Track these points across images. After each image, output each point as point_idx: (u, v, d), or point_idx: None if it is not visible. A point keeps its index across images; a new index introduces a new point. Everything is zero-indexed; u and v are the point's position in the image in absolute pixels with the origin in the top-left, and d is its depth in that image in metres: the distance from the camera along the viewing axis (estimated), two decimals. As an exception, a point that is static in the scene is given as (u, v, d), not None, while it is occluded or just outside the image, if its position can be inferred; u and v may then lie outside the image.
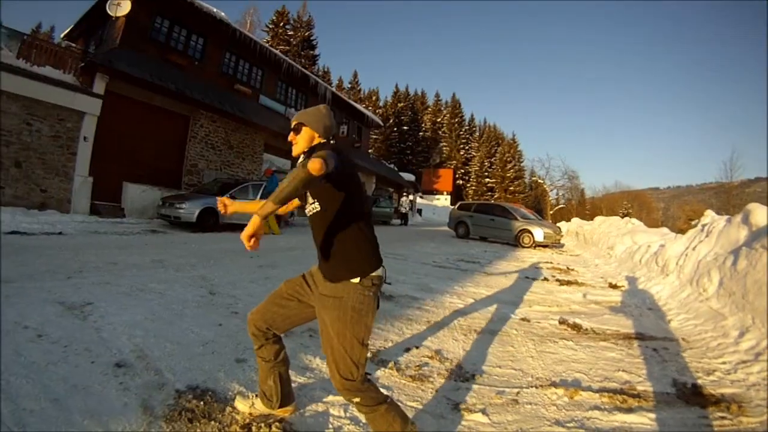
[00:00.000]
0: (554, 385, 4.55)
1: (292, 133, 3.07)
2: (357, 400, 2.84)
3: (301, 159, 2.95)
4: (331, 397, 3.78)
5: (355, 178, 2.94)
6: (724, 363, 5.42)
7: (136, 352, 4.23)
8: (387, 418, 2.88)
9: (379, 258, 2.96)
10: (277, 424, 3.21)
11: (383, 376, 4.42)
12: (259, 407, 3.36)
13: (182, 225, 16.27)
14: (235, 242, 12.98)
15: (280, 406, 3.34)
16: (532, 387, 4.47)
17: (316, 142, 3.06)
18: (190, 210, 15.94)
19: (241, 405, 3.40)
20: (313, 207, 2.90)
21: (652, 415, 3.94)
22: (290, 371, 3.61)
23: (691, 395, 4.46)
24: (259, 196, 18.32)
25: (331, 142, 3.12)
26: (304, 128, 3.03)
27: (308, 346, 4.98)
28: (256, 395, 3.42)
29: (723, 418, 3.98)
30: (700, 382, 4.84)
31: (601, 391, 4.46)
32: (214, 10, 22.80)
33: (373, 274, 2.86)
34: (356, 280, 2.81)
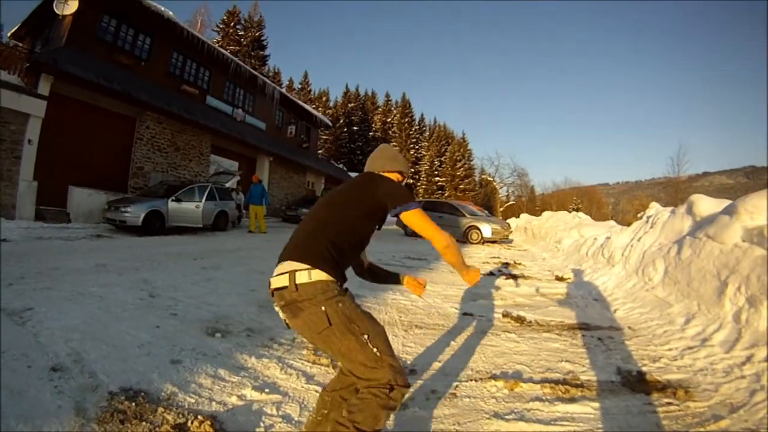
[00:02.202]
0: (494, 377, 4.52)
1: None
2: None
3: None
4: (264, 396, 3.74)
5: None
6: (670, 350, 5.46)
7: (72, 356, 4.13)
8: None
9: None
10: (208, 423, 3.15)
11: (319, 373, 4.36)
12: None
13: (128, 229, 15.99)
14: (180, 245, 13.18)
15: None
16: (471, 380, 4.43)
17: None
18: (136, 213, 15.69)
19: None
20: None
21: (596, 404, 3.93)
22: (225, 370, 3.82)
23: (636, 382, 4.46)
24: (204, 198, 18.43)
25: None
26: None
27: (244, 345, 4.92)
28: None
29: (669, 404, 3.99)
30: (645, 369, 4.86)
31: (542, 382, 4.44)
32: (162, 8, 22.43)
33: None
34: None
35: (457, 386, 4.25)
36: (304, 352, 4.89)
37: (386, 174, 3.03)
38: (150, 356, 4.36)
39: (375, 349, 2.48)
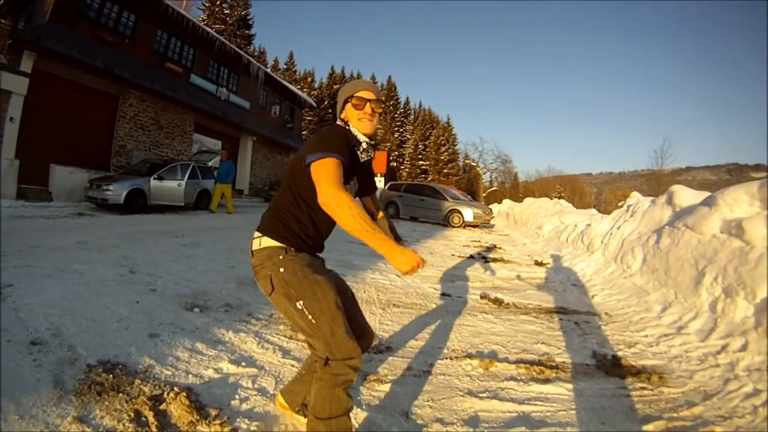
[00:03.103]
0: (469, 356, 4.56)
1: (369, 107, 2.69)
2: None
3: (368, 148, 2.77)
4: (240, 369, 3.77)
5: None
6: (646, 336, 5.52)
7: (51, 330, 4.14)
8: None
9: None
10: (183, 394, 3.15)
11: (296, 348, 4.39)
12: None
13: (110, 207, 15.92)
14: (161, 223, 13.20)
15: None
16: (446, 359, 4.48)
17: None
18: (117, 192, 15.60)
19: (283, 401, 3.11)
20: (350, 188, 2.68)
21: (570, 386, 3.97)
22: (202, 344, 3.88)
23: (611, 366, 4.51)
24: (186, 177, 18.39)
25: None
26: (381, 111, 2.81)
27: (222, 320, 4.94)
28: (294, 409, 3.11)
29: (643, 388, 4.03)
30: (620, 354, 4.91)
31: (518, 362, 4.48)
32: (148, -16, 22.15)
33: None
34: None
35: (432, 364, 4.29)
36: (281, 327, 4.93)
37: (340, 117, 2.80)
38: (128, 330, 4.38)
39: (310, 317, 2.46)
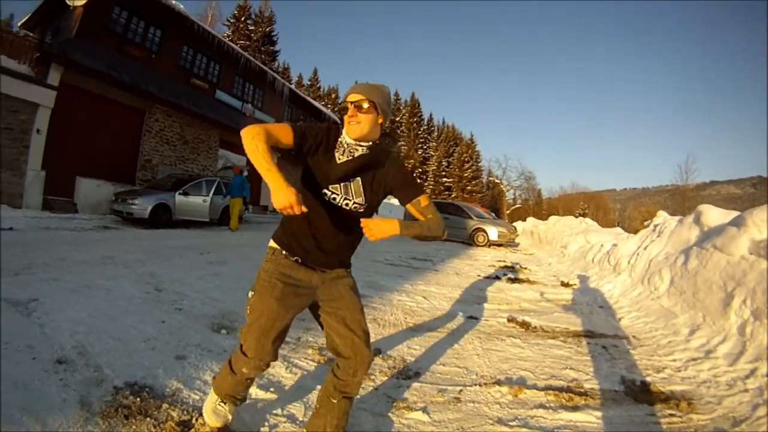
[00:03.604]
0: (498, 383, 4.50)
1: (353, 109, 2.65)
2: (362, 379, 3.01)
3: (361, 152, 2.73)
4: (268, 395, 3.73)
5: None
6: (674, 360, 5.44)
7: (77, 348, 4.12)
8: (347, 411, 3.00)
9: None
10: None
11: (324, 372, 4.17)
12: (231, 411, 3.13)
13: (135, 221, 16.03)
14: (186, 239, 13.16)
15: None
16: (475, 385, 4.42)
17: (377, 131, 2.78)
18: (143, 206, 15.72)
19: (216, 422, 3.07)
20: (356, 204, 2.77)
21: (599, 413, 3.91)
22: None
23: (640, 393, 4.44)
24: (212, 193, 18.49)
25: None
26: (373, 109, 2.68)
27: None
28: (224, 402, 3.10)
29: (672, 415, 3.96)
30: (649, 379, 4.83)
31: (546, 389, 4.42)
32: (173, 2, 22.40)
33: None
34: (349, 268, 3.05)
35: (461, 391, 4.23)
36: (309, 351, 4.88)
37: (373, 110, 2.73)
38: (155, 351, 4.35)
39: (248, 307, 2.82)
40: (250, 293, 2.82)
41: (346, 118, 2.70)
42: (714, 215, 7.93)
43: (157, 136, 22.37)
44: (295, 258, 2.82)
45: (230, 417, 3.05)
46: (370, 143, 2.75)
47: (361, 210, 2.77)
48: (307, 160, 2.74)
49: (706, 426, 3.75)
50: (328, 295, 2.90)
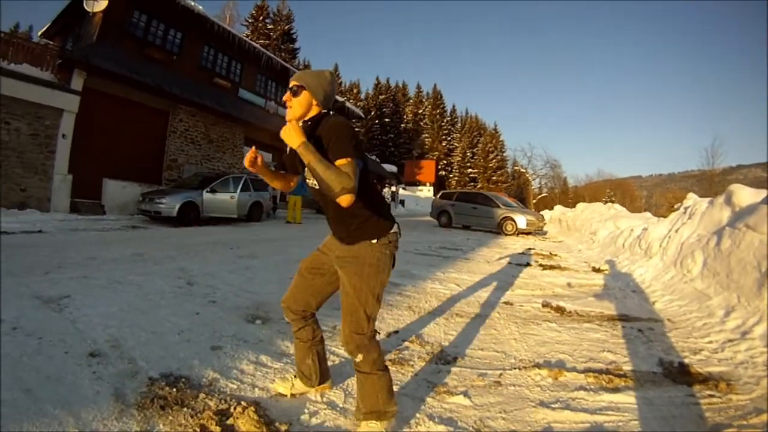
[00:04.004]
0: (538, 366, 4.49)
1: (288, 94, 2.89)
2: (359, 358, 2.98)
3: (294, 124, 2.72)
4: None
5: (365, 155, 2.96)
6: (710, 342, 5.39)
7: (110, 342, 4.15)
8: (376, 387, 2.99)
9: (391, 218, 3.08)
10: (251, 409, 3.11)
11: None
12: (299, 387, 3.48)
13: (163, 220, 16.21)
14: (215, 235, 13.33)
15: (319, 384, 3.51)
16: (515, 369, 4.41)
17: (313, 110, 2.91)
18: (171, 205, 15.90)
19: (282, 388, 3.48)
20: (314, 181, 2.86)
21: (639, 394, 3.89)
22: (267, 356, 3.83)
23: (678, 374, 4.41)
24: (239, 189, 18.65)
25: (331, 113, 2.97)
26: (303, 92, 2.85)
27: (285, 332, 4.85)
28: (295, 376, 3.53)
29: (711, 396, 3.93)
30: (686, 361, 4.80)
31: (586, 371, 4.40)
32: (192, 3, 22.53)
33: (391, 232, 3.02)
34: (373, 240, 2.94)
35: (501, 374, 4.24)
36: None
37: (304, 93, 2.91)
38: (190, 343, 4.38)
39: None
40: None
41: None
42: (745, 194, 7.82)
43: (182, 136, 22.61)
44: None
45: (292, 389, 3.44)
46: (307, 123, 2.91)
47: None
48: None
49: (745, 406, 3.72)
50: (337, 264, 3.07)
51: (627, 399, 3.80)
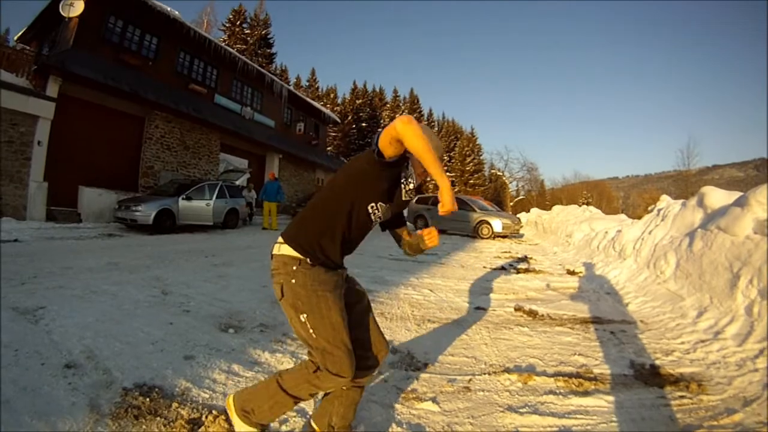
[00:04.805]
0: (507, 371, 4.51)
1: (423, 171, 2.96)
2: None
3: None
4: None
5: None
6: (682, 343, 5.44)
7: (85, 353, 4.14)
8: (355, 401, 3.02)
9: None
10: (222, 417, 3.13)
11: None
12: None
13: (139, 228, 16.11)
14: (191, 243, 13.28)
15: None
16: (484, 374, 4.43)
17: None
18: (147, 212, 15.80)
19: None
20: (382, 215, 2.91)
21: (609, 398, 3.92)
22: (239, 365, 3.97)
23: (650, 376, 4.45)
24: (215, 197, 18.57)
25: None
26: None
27: (257, 341, 4.91)
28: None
29: (682, 397, 3.97)
30: (658, 362, 4.85)
31: (556, 375, 4.44)
32: (168, 9, 22.48)
33: None
34: None
35: (470, 380, 4.24)
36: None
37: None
38: (163, 352, 4.37)
39: (312, 331, 2.60)
40: (302, 317, 2.63)
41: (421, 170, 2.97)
42: (717, 196, 7.90)
43: (158, 142, 22.47)
44: (321, 263, 2.74)
45: None
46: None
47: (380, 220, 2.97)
48: (379, 170, 2.68)
49: (717, 407, 3.75)
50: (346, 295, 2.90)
51: (596, 402, 3.83)
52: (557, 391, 4.05)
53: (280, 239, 2.80)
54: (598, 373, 4.54)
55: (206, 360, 4.24)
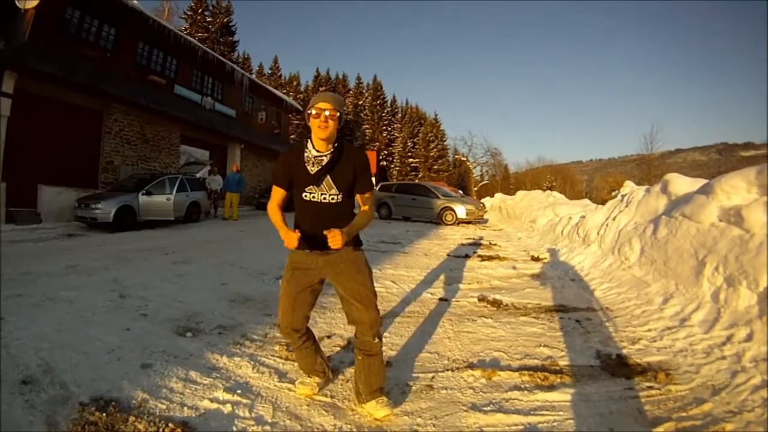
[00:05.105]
0: (471, 366, 4.48)
1: (324, 117, 3.20)
2: (377, 341, 3.55)
3: (325, 151, 3.32)
4: (236, 397, 3.67)
5: None
6: (649, 330, 5.46)
7: (42, 367, 4.04)
8: (382, 366, 3.64)
9: None
10: (179, 430, 3.09)
11: (292, 370, 4.29)
12: (318, 383, 3.91)
13: (100, 226, 15.80)
14: (151, 240, 13.16)
15: (331, 371, 4.12)
16: (447, 371, 4.39)
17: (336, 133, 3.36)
18: (106, 210, 15.55)
19: (307, 390, 3.82)
20: (332, 196, 3.37)
21: (575, 391, 3.90)
22: (196, 372, 3.98)
23: (616, 366, 4.45)
24: (175, 190, 18.32)
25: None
26: (338, 117, 3.28)
27: (215, 344, 4.83)
28: (309, 376, 3.89)
29: (650, 387, 3.96)
30: (625, 351, 4.86)
31: (521, 369, 4.40)
32: (127, -2, 21.92)
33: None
34: (358, 245, 3.64)
35: (433, 377, 4.21)
36: (276, 347, 4.84)
37: (337, 118, 3.37)
38: (120, 361, 4.28)
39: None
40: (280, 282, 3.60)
41: (317, 121, 3.20)
42: (681, 183, 7.93)
43: (117, 136, 22.08)
44: (300, 248, 3.38)
45: (316, 387, 3.86)
46: (332, 147, 3.35)
47: (339, 198, 3.39)
48: (293, 180, 3.45)
49: (685, 397, 3.75)
50: (331, 273, 3.52)
51: (563, 397, 3.81)
52: (522, 387, 4.02)
53: None
54: (563, 365, 4.52)
55: (163, 368, 4.15)
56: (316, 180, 3.32)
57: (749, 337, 4.44)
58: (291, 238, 3.19)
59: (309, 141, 3.34)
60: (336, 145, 3.35)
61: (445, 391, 3.92)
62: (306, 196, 3.37)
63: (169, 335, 5.07)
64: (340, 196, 3.37)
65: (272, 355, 4.62)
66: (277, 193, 3.54)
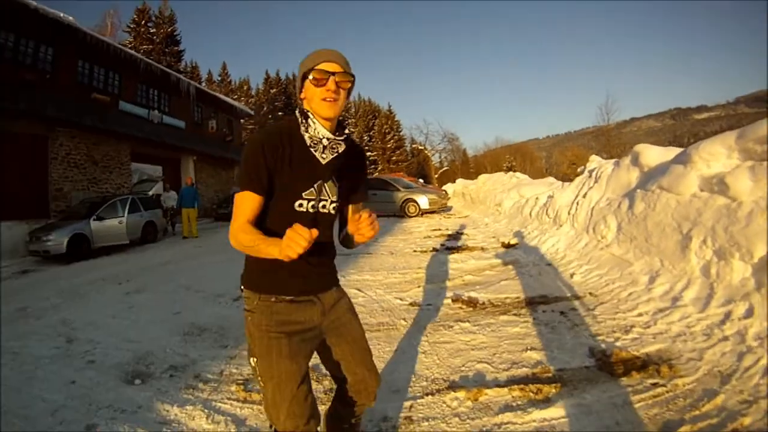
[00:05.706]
0: (453, 386, 4.01)
1: (333, 84, 2.08)
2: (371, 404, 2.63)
3: (342, 147, 2.20)
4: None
5: None
6: (640, 315, 5.22)
7: (-19, 442, 3.58)
8: None
9: None
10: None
11: (251, 414, 3.82)
12: None
13: (55, 258, 15.15)
14: (106, 268, 12.64)
15: None
16: (427, 395, 3.91)
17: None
18: (58, 241, 15.00)
19: None
20: (333, 206, 2.28)
21: (575, 402, 3.52)
22: (143, 429, 3.57)
23: (614, 364, 4.11)
24: (126, 212, 17.78)
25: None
26: (351, 87, 2.20)
27: (166, 391, 4.35)
28: None
29: (655, 385, 3.64)
30: (619, 343, 4.56)
31: (510, 383, 3.98)
32: (61, 14, 21.25)
33: None
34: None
35: (411, 406, 3.73)
36: (233, 387, 4.36)
37: (299, 98, 2.25)
38: (63, 425, 3.82)
39: (260, 378, 2.17)
40: (252, 360, 2.20)
41: (321, 91, 2.08)
42: (653, 154, 7.76)
43: (64, 161, 21.53)
44: (287, 297, 2.23)
45: None
46: (345, 135, 2.23)
47: (334, 211, 2.31)
48: (275, 182, 2.11)
49: (694, 390, 3.46)
50: (331, 326, 2.40)
51: (561, 412, 3.42)
52: (514, 405, 3.60)
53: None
54: (556, 370, 4.13)
55: (109, 427, 3.70)
56: (325, 176, 2.20)
57: (749, 313, 4.22)
58: (301, 233, 1.73)
59: (305, 115, 2.15)
60: (345, 134, 2.24)
61: (426, 423, 3.46)
62: (301, 205, 2.17)
63: (117, 385, 4.61)
64: (336, 208, 2.31)
65: (228, 398, 4.14)
66: (247, 205, 2.10)
